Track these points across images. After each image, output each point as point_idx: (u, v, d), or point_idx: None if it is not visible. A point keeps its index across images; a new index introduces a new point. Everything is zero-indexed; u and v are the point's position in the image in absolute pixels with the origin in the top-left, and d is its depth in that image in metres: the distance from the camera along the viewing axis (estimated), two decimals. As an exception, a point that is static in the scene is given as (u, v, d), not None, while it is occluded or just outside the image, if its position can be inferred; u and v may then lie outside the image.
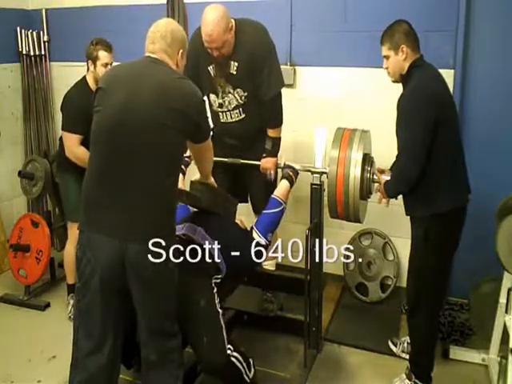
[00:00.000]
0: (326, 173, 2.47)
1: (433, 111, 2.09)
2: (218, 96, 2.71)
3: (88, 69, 2.92)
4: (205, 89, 2.71)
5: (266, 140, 2.73)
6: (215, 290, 2.15)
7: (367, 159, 2.39)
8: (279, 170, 2.74)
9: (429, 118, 2.09)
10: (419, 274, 2.30)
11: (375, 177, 2.39)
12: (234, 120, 2.74)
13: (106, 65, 2.86)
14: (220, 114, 2.75)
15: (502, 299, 2.45)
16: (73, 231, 3.03)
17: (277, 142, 2.75)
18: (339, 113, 3.21)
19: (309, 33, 3.28)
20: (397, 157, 2.20)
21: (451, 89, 2.95)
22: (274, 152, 2.74)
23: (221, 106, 2.73)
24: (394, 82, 2.31)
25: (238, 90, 2.65)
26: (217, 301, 2.13)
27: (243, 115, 2.71)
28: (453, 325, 2.83)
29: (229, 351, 2.08)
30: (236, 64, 2.60)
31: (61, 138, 3.03)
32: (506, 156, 2.95)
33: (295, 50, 3.31)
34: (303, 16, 3.27)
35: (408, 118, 2.13)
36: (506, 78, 2.92)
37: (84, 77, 2.97)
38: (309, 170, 2.55)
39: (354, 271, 3.38)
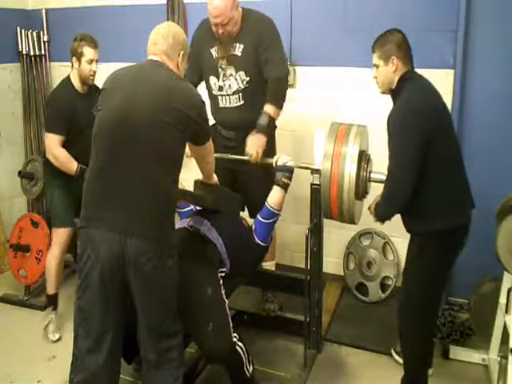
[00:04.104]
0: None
1: (423, 129, 2.01)
2: (218, 78, 2.71)
3: (72, 66, 2.86)
4: (205, 72, 2.74)
5: (260, 115, 2.61)
6: (221, 281, 2.17)
7: (364, 156, 2.30)
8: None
9: (419, 137, 2.00)
10: (410, 289, 2.25)
11: (370, 177, 2.31)
12: (232, 106, 2.73)
13: (90, 61, 2.81)
14: (219, 97, 2.74)
15: (502, 299, 2.45)
16: (57, 236, 2.97)
17: (272, 121, 2.63)
18: (339, 113, 3.21)
19: (309, 33, 3.28)
20: (387, 178, 2.12)
21: (451, 89, 2.97)
22: (267, 130, 2.61)
23: (220, 89, 2.72)
24: (382, 93, 2.24)
25: (241, 73, 2.65)
26: (222, 291, 2.15)
27: (242, 101, 2.70)
28: (453, 325, 2.83)
29: (234, 339, 2.11)
30: (242, 46, 2.62)
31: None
32: (506, 156, 2.94)
33: (295, 50, 3.31)
34: (303, 16, 3.27)
35: (397, 138, 2.04)
36: (506, 78, 2.91)
37: (68, 76, 2.90)
38: (307, 168, 2.49)
39: (354, 271, 3.38)
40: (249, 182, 2.81)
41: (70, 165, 2.83)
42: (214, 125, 2.78)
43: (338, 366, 2.69)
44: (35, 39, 4.06)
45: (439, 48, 2.97)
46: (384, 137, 2.10)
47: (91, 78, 2.85)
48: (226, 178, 2.73)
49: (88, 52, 2.80)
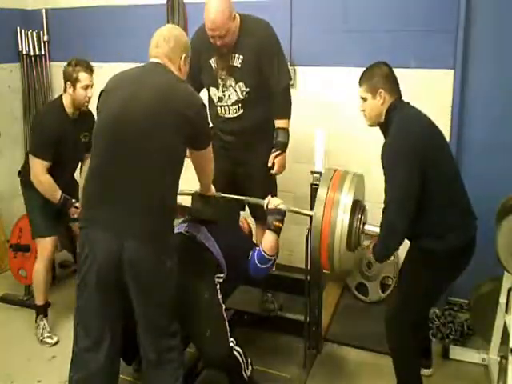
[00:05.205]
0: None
1: (416, 160, 1.98)
2: (218, 89, 2.69)
3: (65, 90, 2.75)
4: (205, 83, 2.73)
5: (276, 133, 2.68)
6: (218, 286, 2.17)
7: (358, 206, 2.16)
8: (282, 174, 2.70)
9: (413, 169, 1.97)
10: (406, 298, 2.22)
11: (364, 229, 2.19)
12: (231, 116, 2.72)
13: (86, 87, 2.71)
14: (219, 108, 2.74)
15: (502, 299, 2.45)
16: (42, 247, 2.90)
17: (288, 134, 2.71)
18: (339, 113, 3.22)
19: (309, 33, 3.28)
20: (383, 211, 2.06)
21: (451, 89, 2.97)
22: (287, 145, 2.70)
23: (220, 99, 2.71)
24: (370, 125, 2.22)
25: (240, 84, 2.64)
26: (219, 296, 2.15)
27: (241, 111, 2.69)
28: (453, 325, 2.84)
29: (231, 344, 2.10)
30: (241, 57, 2.59)
31: (27, 155, 2.90)
32: (505, 156, 2.94)
33: (295, 50, 3.30)
34: (303, 16, 3.27)
35: (391, 171, 2.02)
36: (506, 79, 2.91)
37: (60, 97, 2.81)
38: (300, 213, 2.34)
39: (354, 271, 3.38)
40: (249, 184, 2.80)
41: (54, 193, 2.76)
42: (212, 128, 2.78)
43: (337, 366, 2.69)
44: (35, 39, 4.06)
45: (439, 48, 2.97)
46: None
47: (86, 104, 2.77)
48: (225, 177, 2.73)
49: (83, 78, 2.71)
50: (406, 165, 1.98)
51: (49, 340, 2.88)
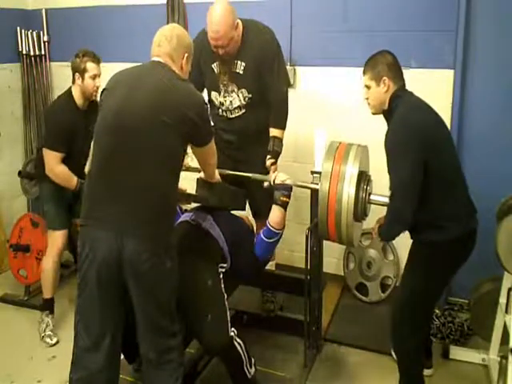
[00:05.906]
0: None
1: (419, 148, 2.00)
2: (219, 94, 2.69)
3: (74, 82, 2.83)
4: (207, 86, 2.73)
5: (272, 141, 2.66)
6: (221, 276, 2.18)
7: (363, 177, 2.20)
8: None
9: (417, 155, 1.99)
10: (410, 293, 2.22)
11: (369, 199, 2.23)
12: (233, 116, 2.72)
13: (94, 77, 2.78)
14: (220, 110, 2.74)
15: (502, 299, 2.45)
16: (53, 239, 2.96)
17: (282, 145, 2.70)
18: (339, 113, 3.22)
19: (309, 33, 3.28)
20: (390, 198, 2.08)
21: (451, 89, 2.97)
22: (279, 155, 2.69)
23: (222, 104, 2.71)
24: (373, 114, 2.23)
25: (243, 90, 2.64)
26: (222, 285, 2.16)
27: (243, 110, 2.70)
28: (453, 325, 2.83)
29: (232, 333, 2.11)
30: (243, 64, 2.59)
31: (40, 149, 2.94)
32: (506, 155, 2.94)
33: (295, 50, 3.30)
34: (303, 16, 3.27)
35: (395, 159, 2.04)
36: (506, 78, 2.91)
37: (69, 90, 2.87)
38: (306, 187, 2.43)
39: (354, 271, 3.38)
40: (252, 187, 2.80)
41: (71, 180, 2.83)
42: (213, 126, 2.78)
43: (338, 366, 2.69)
44: (35, 39, 4.06)
45: (439, 48, 2.97)
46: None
47: (95, 93, 2.83)
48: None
49: (91, 67, 2.78)
50: (411, 153, 2.00)
51: (48, 340, 2.88)
